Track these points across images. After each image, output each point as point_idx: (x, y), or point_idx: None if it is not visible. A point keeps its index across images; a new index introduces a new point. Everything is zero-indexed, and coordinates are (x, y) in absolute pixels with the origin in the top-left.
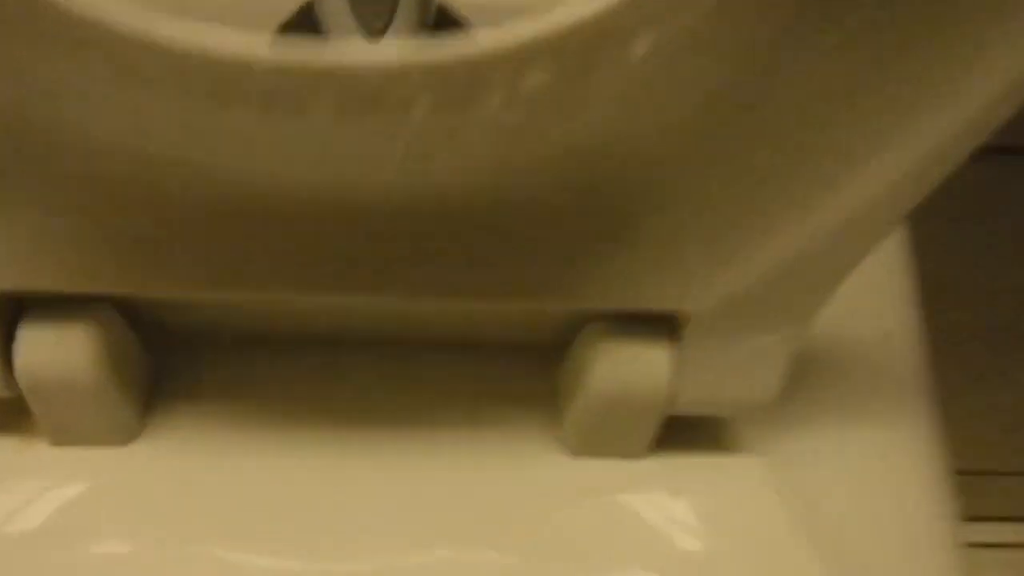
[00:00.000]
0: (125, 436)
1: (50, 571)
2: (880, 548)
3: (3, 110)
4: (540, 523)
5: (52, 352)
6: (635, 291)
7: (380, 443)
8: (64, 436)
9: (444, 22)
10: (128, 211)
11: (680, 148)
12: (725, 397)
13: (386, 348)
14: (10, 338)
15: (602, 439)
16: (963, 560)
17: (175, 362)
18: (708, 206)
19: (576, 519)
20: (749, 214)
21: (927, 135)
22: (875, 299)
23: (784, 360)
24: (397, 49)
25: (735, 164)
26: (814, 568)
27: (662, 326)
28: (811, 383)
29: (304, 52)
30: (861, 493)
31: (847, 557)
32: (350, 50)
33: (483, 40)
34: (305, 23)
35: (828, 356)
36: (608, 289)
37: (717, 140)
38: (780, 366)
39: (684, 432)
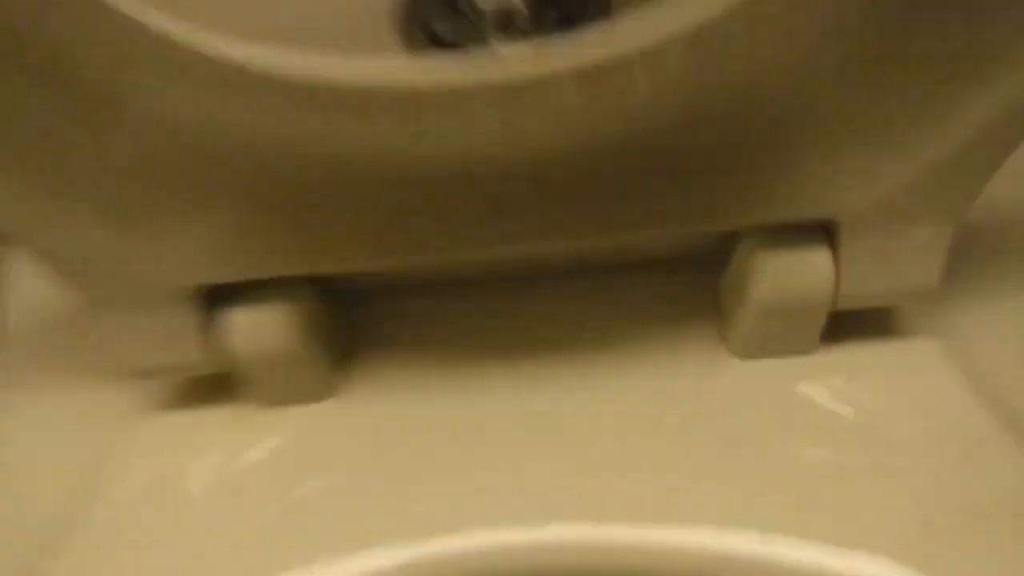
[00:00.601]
0: (323, 393)
1: (259, 511)
2: None
3: (206, 136)
4: (723, 421)
5: (260, 330)
6: (793, 205)
7: (559, 373)
8: (268, 399)
9: None
10: (313, 206)
11: (835, 73)
12: (888, 290)
13: (551, 279)
14: (211, 321)
15: (771, 341)
16: None
17: (364, 319)
18: (859, 117)
19: (757, 413)
20: (896, 123)
21: None
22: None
23: (942, 248)
24: (548, 56)
25: (880, 80)
26: (996, 433)
27: (819, 231)
28: (972, 259)
29: (470, 69)
30: None
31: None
32: (509, 61)
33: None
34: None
35: (986, 232)
36: (769, 205)
37: (865, 63)
38: (939, 254)
39: (852, 322)
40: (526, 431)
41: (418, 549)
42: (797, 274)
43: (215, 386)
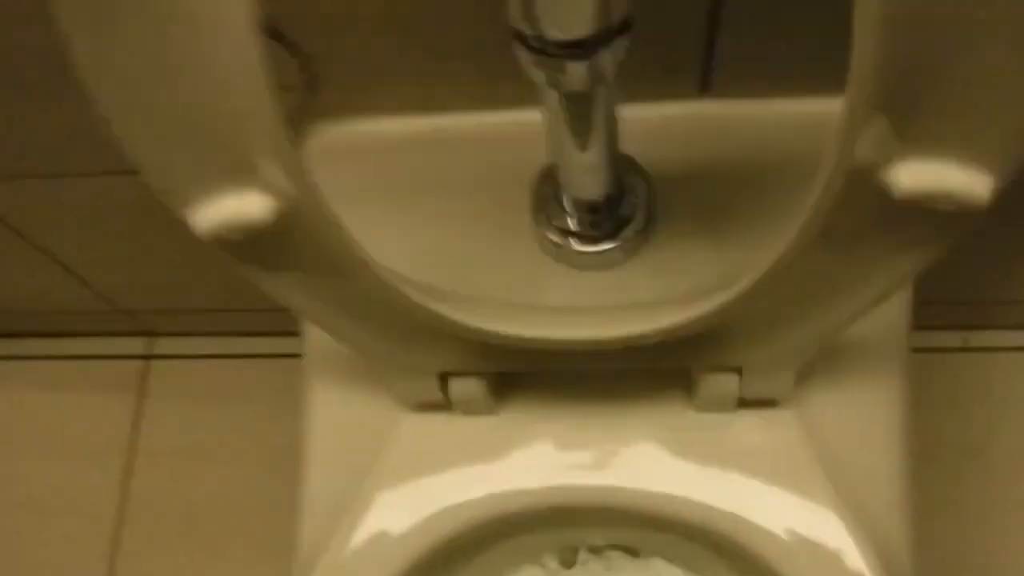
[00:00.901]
0: (493, 410)
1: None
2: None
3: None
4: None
5: (470, 391)
6: (731, 357)
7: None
8: (470, 413)
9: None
10: (496, 359)
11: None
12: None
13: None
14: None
15: (710, 405)
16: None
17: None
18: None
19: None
20: (795, 328)
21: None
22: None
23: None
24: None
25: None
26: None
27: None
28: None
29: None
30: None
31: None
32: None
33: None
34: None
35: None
36: (720, 355)
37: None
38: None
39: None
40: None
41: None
42: (720, 384)
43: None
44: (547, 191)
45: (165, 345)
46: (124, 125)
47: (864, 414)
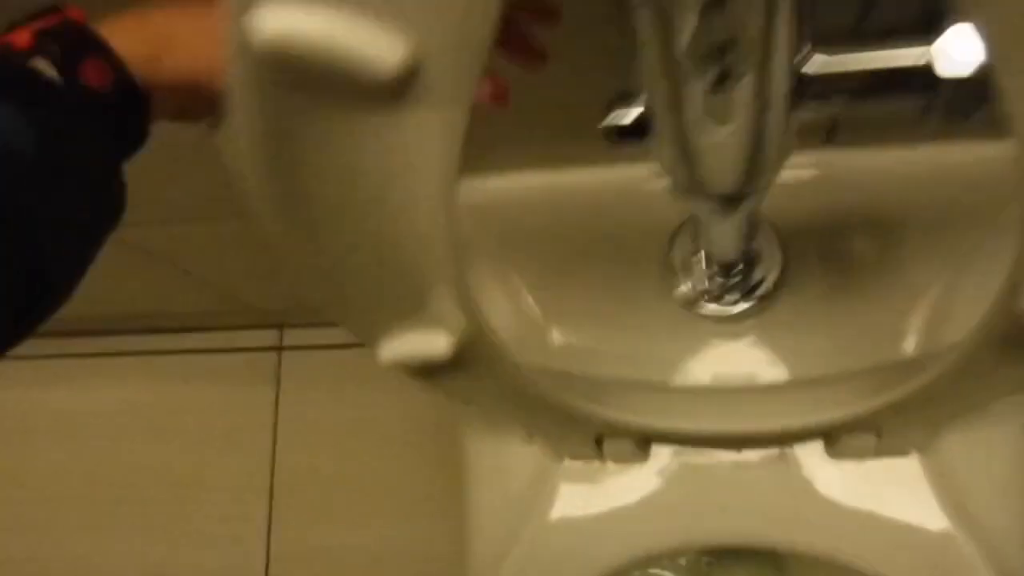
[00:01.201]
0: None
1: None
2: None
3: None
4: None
5: (623, 449)
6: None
7: None
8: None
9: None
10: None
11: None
12: None
13: None
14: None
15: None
16: None
17: None
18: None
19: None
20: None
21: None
22: None
23: None
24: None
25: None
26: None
27: None
28: None
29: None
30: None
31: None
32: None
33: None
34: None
35: None
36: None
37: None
38: None
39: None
40: None
41: None
42: (860, 440)
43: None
44: (682, 249)
45: (295, 336)
46: (312, 285)
47: (990, 454)
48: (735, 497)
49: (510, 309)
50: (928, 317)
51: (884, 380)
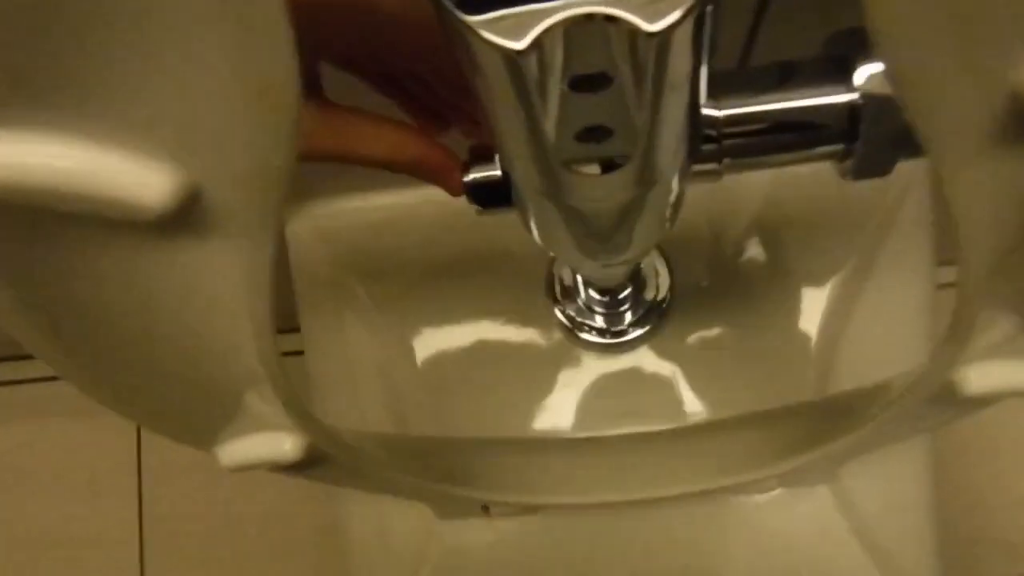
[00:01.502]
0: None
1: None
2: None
3: None
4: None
5: (509, 509)
6: None
7: None
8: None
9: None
10: None
11: None
12: None
13: None
14: None
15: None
16: None
17: None
18: None
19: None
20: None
21: None
22: None
23: None
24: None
25: None
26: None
27: None
28: None
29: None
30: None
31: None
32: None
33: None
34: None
35: None
36: None
37: None
38: None
39: None
40: None
41: None
42: (762, 482)
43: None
44: (563, 270)
45: None
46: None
47: (893, 479)
48: (638, 536)
49: (375, 348)
50: (828, 327)
51: (797, 431)
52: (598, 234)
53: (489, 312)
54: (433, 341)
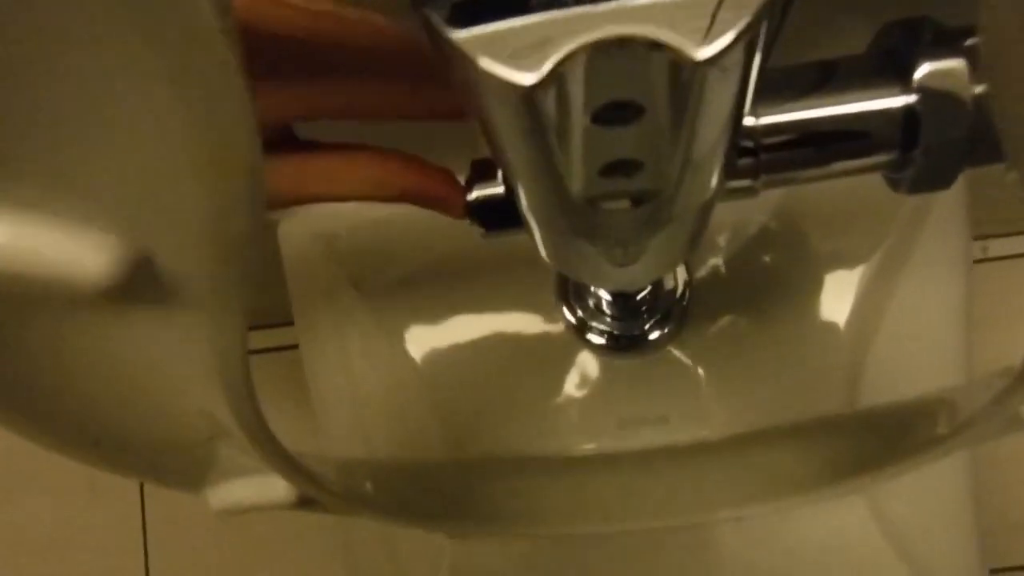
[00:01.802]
0: None
1: None
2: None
3: None
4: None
5: None
6: None
7: None
8: None
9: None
10: None
11: None
12: None
13: None
14: None
15: None
16: None
17: None
18: None
19: None
20: None
21: None
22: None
23: None
24: None
25: None
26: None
27: None
28: None
29: None
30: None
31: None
32: None
33: None
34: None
35: None
36: None
37: None
38: None
39: None
40: None
41: None
42: None
43: None
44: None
45: None
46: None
47: (930, 484)
48: (661, 546)
49: (376, 359)
50: (858, 321)
51: (839, 449)
52: (618, 262)
53: (494, 314)
54: (437, 349)
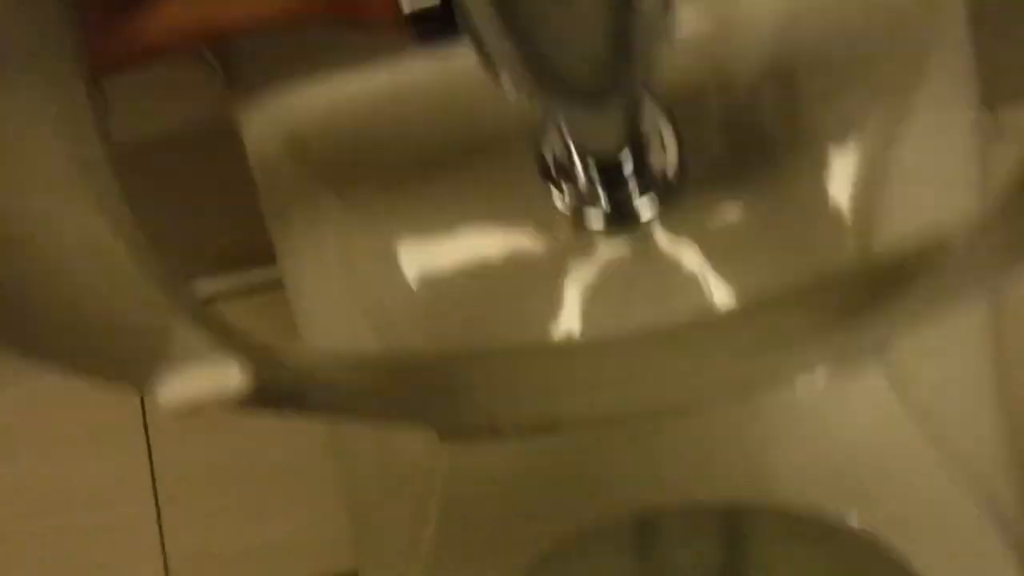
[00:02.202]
0: None
1: None
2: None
3: None
4: None
5: None
6: None
7: None
8: None
9: None
10: None
11: None
12: None
13: None
14: None
15: None
16: None
17: None
18: None
19: None
20: None
21: None
22: None
23: None
24: None
25: None
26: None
27: None
28: None
29: None
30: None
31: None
32: None
33: None
34: None
35: None
36: None
37: None
38: None
39: None
40: None
41: None
42: None
43: None
44: (556, 146)
45: None
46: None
47: (951, 355)
48: (679, 442)
49: (359, 267)
50: (863, 185)
51: (842, 301)
52: (572, 43)
53: (480, 205)
54: (423, 248)
